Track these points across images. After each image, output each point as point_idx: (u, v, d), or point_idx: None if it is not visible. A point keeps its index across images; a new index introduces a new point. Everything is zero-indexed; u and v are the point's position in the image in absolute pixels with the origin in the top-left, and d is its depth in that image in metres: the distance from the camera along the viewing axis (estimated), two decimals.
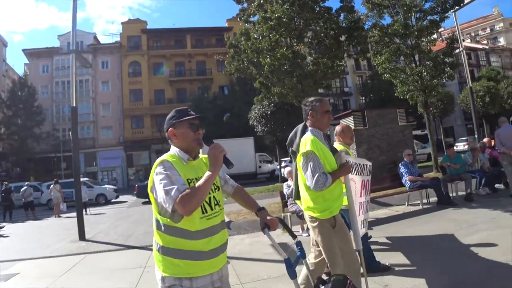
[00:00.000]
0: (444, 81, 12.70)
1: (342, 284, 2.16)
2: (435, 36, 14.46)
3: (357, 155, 16.11)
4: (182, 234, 1.84)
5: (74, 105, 9.66)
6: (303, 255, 2.25)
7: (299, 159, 2.97)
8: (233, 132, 27.90)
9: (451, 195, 8.89)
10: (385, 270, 4.21)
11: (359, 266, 3.11)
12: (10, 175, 35.17)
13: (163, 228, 1.86)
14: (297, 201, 3.40)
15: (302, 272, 3.04)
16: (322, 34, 10.23)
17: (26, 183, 18.53)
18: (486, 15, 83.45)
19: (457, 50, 14.63)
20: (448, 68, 12.75)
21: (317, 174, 2.80)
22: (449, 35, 13.82)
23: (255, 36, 10.28)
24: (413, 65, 12.14)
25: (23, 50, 41.27)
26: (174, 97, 41.59)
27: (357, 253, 3.12)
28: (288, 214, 7.21)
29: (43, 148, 36.34)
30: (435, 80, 12.05)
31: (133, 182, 38.53)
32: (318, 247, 3.10)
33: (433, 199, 8.45)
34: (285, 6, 9.73)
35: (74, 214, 14.41)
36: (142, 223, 10.88)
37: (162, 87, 41.80)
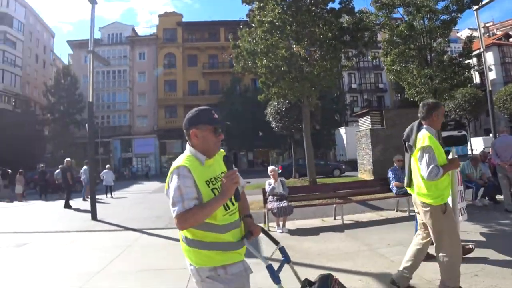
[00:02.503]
0: (455, 83, 12.14)
1: (326, 280, 2.33)
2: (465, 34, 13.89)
3: (372, 155, 16.05)
4: (210, 228, 1.93)
5: (90, 100, 10.45)
6: (287, 260, 2.28)
7: (416, 152, 3.50)
8: (260, 125, 28.30)
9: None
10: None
11: (461, 251, 3.55)
12: (55, 157, 37.89)
13: None
14: (408, 188, 3.87)
15: (409, 250, 3.80)
16: (321, 36, 10.32)
17: (60, 166, 19.97)
18: None
19: (477, 51, 14.14)
20: (465, 71, 12.30)
21: (431, 166, 3.31)
22: (468, 35, 13.27)
23: (249, 39, 10.53)
24: (420, 67, 11.80)
25: (68, 41, 44.14)
26: (207, 88, 42.78)
27: None
28: (265, 210, 7.63)
29: (83, 134, 38.72)
30: (445, 83, 11.67)
31: (165, 169, 40.34)
32: (426, 229, 3.70)
33: None
34: (276, 11, 9.95)
35: (100, 196, 15.88)
36: (151, 209, 11.69)
37: (195, 79, 43.04)
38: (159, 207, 12.05)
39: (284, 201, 7.49)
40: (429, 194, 3.46)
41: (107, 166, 19.45)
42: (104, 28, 43.54)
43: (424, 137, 3.44)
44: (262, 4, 10.44)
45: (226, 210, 2.00)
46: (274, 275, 2.08)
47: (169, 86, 42.72)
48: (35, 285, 4.62)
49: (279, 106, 17.50)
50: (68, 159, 14.92)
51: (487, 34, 69.90)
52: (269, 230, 7.34)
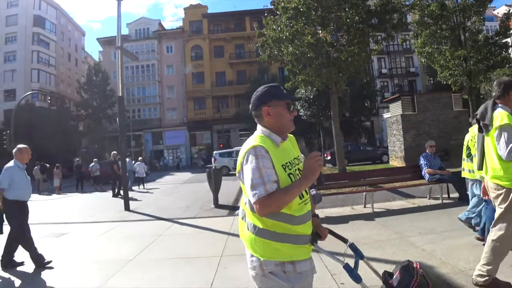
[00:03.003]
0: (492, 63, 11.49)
1: (407, 268, 2.23)
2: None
3: (404, 141, 15.64)
4: (285, 219, 1.78)
5: (120, 94, 10.70)
6: (361, 256, 2.14)
7: (493, 132, 3.26)
8: None
9: None
10: None
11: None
12: (89, 151, 39.40)
13: None
14: (479, 172, 3.69)
15: (487, 243, 3.39)
16: (348, 20, 9.99)
17: (94, 159, 20.74)
18: None
19: None
20: (503, 51, 11.63)
21: (511, 145, 3.09)
22: (506, 12, 12.53)
23: (274, 27, 10.37)
24: (453, 48, 11.24)
25: (97, 39, 45.31)
26: (234, 79, 42.89)
27: None
28: None
29: (115, 128, 39.95)
30: (480, 64, 11.07)
31: (196, 160, 41.08)
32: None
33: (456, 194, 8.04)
34: None
35: (137, 188, 16.44)
36: (182, 199, 11.94)
37: (222, 70, 43.21)
38: (189, 197, 12.33)
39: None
40: (505, 176, 3.22)
41: (139, 158, 19.99)
42: (131, 24, 44.37)
43: (502, 115, 3.21)
44: None
45: (301, 198, 1.83)
46: (354, 274, 1.98)
47: (197, 78, 43.08)
48: (73, 272, 4.84)
49: (307, 94, 17.27)
50: (115, 152, 15.44)
51: None
52: None
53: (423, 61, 11.94)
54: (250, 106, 1.94)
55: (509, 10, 12.93)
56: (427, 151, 8.12)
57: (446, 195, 8.16)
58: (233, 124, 39.69)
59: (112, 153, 15.38)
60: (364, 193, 8.00)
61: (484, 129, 3.42)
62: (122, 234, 7.23)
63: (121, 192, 12.77)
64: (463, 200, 7.52)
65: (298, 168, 1.89)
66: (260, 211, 1.69)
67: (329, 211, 7.85)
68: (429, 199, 8.27)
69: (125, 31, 41.90)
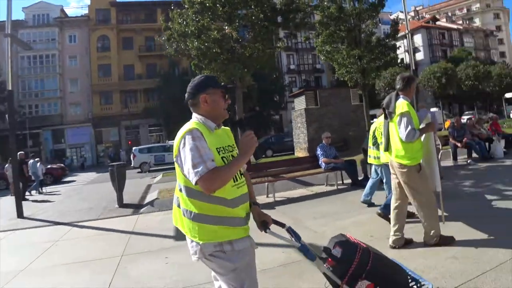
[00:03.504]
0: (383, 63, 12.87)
1: (346, 243, 2.26)
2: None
3: (307, 134, 16.64)
4: (219, 201, 1.84)
5: (10, 88, 9.62)
6: (298, 238, 2.17)
7: (396, 118, 3.90)
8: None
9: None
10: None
11: (436, 206, 4.04)
12: None
13: (199, 196, 1.84)
14: (385, 153, 4.31)
15: (392, 215, 4.17)
16: (253, 18, 10.31)
17: (9, 159, 18.20)
18: None
19: (402, 33, 15.03)
20: (391, 52, 13.05)
21: (409, 128, 3.74)
22: (395, 17, 14.10)
23: (179, 21, 10.25)
24: (349, 48, 12.33)
25: None
26: (143, 72, 41.13)
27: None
28: None
29: (7, 126, 35.70)
30: (372, 63, 12.32)
31: (102, 158, 38.51)
32: (402, 190, 4.09)
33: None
34: None
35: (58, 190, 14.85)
36: (85, 200, 11.21)
37: (131, 62, 41.11)
38: (92, 198, 11.61)
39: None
40: (406, 155, 3.89)
41: (31, 155, 18.09)
42: (29, 8, 39.72)
43: (403, 104, 3.88)
44: None
45: (234, 182, 1.91)
46: (309, 253, 2.08)
47: (103, 71, 40.27)
48: None
49: None
50: (22, 152, 13.79)
51: (417, 17, 74.63)
52: None
53: (322, 58, 12.82)
54: (186, 95, 1.99)
55: (397, 16, 14.52)
56: (323, 142, 8.81)
57: (341, 182, 8.93)
58: (142, 120, 38.18)
59: (19, 153, 13.70)
60: (266, 183, 8.37)
61: (389, 116, 4.06)
62: (12, 244, 6.50)
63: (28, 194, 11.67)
64: (356, 185, 8.37)
65: (232, 155, 1.97)
66: (207, 187, 1.73)
67: None
68: (326, 186, 8.92)
69: (20, 15, 37.48)
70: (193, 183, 1.75)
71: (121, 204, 9.13)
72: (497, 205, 5.51)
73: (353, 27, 12.38)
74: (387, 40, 13.41)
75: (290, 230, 2.19)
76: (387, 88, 29.50)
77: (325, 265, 2.18)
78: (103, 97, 40.22)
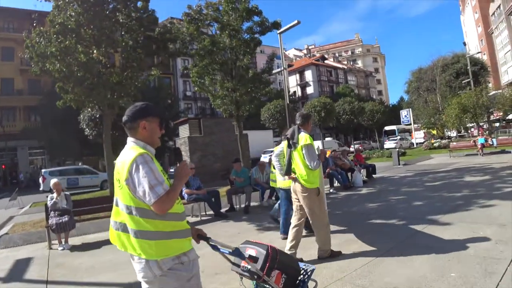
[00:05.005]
0: (259, 96, 13.66)
1: (261, 246, 2.76)
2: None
3: (191, 161, 16.74)
4: (174, 217, 2.00)
5: None
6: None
7: (300, 148, 4.54)
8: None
9: (236, 206, 9.70)
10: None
11: (328, 222, 4.75)
12: None
13: (154, 215, 1.92)
14: (287, 176, 4.92)
15: (290, 232, 4.80)
16: (123, 43, 10.13)
17: None
18: (349, 40, 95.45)
19: (278, 70, 16.24)
20: (263, 86, 13.82)
21: (316, 159, 4.43)
22: (269, 54, 15.15)
23: (37, 39, 9.61)
24: (222, 80, 12.82)
25: None
26: (25, 88, 37.08)
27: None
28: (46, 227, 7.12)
29: None
30: (244, 96, 12.94)
31: None
32: (302, 211, 4.76)
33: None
34: (68, 12, 9.42)
35: None
36: None
37: (11, 76, 36.83)
38: None
39: (66, 216, 7.06)
40: (309, 180, 4.53)
41: None
42: None
43: (306, 137, 4.57)
44: (60, 3, 9.52)
45: (177, 198, 2.06)
46: (241, 256, 2.50)
47: None
48: None
49: (93, 112, 16.34)
50: None
51: (308, 55, 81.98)
52: (51, 248, 6.92)
53: (196, 89, 13.08)
54: (125, 118, 2.10)
55: (272, 53, 15.60)
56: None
57: (204, 213, 9.08)
58: (21, 141, 34.23)
59: None
60: None
61: (293, 146, 4.68)
62: None
63: None
64: (219, 216, 8.60)
65: (167, 178, 2.09)
66: (163, 207, 1.89)
67: (92, 237, 7.84)
68: (192, 217, 8.97)
69: None
70: (150, 204, 1.87)
71: None
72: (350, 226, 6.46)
73: (226, 60, 12.80)
74: (263, 75, 14.22)
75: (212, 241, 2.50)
76: (271, 119, 31.52)
77: (242, 265, 2.69)
78: None
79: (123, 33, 10.40)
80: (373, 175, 14.31)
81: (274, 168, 6.42)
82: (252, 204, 9.70)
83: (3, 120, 34.37)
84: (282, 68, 15.51)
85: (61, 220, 6.96)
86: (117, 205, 2.09)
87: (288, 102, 15.95)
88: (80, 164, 29.94)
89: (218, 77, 12.95)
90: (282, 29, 14.89)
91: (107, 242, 7.10)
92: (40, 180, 20.82)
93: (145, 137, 2.10)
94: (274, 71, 16.15)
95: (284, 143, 5.02)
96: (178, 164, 2.13)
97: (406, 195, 9.37)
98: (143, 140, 2.09)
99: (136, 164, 1.91)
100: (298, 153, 4.62)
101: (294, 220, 4.86)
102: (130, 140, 2.11)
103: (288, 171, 4.78)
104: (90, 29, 9.69)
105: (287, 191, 5.72)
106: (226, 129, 17.39)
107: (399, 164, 18.59)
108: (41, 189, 20.40)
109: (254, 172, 10.33)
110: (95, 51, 9.66)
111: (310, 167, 4.44)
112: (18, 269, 5.83)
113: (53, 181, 7.55)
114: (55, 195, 7.34)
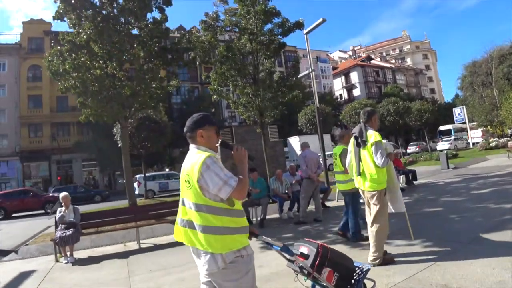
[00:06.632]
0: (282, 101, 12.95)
1: (312, 244, 2.89)
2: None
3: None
4: (237, 214, 2.24)
5: None
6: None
7: (370, 146, 4.37)
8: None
9: (253, 219, 9.16)
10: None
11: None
12: None
13: (221, 212, 2.17)
14: (358, 177, 4.64)
15: (371, 234, 4.48)
16: (136, 56, 10.12)
17: None
18: (396, 37, 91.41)
19: (305, 73, 15.53)
20: (289, 91, 13.11)
21: (385, 156, 4.26)
22: (295, 56, 14.51)
23: (49, 59, 9.89)
24: (242, 87, 12.32)
25: None
26: (77, 104, 39.48)
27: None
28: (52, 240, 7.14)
29: None
30: (267, 102, 12.36)
31: None
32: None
33: None
34: (77, 29, 9.63)
35: None
36: None
37: (64, 94, 39.40)
38: None
39: (71, 230, 7.05)
40: (378, 179, 4.36)
41: None
42: None
43: (375, 134, 4.40)
44: (75, 21, 9.79)
45: None
46: (289, 252, 2.65)
47: (34, 101, 38.45)
48: None
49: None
50: None
51: (354, 56, 79.47)
52: (58, 261, 6.98)
53: (215, 97, 12.75)
54: (185, 128, 2.35)
55: (297, 55, 14.99)
56: None
57: None
58: (74, 154, 36.45)
59: None
60: (135, 229, 7.93)
61: (362, 144, 4.50)
62: None
63: None
64: None
65: None
66: (241, 195, 2.17)
67: (99, 250, 7.86)
68: None
69: None
70: (226, 196, 2.11)
71: None
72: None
73: (246, 65, 12.30)
74: (290, 78, 13.58)
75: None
76: (307, 124, 30.70)
77: (295, 262, 2.76)
78: (33, 130, 38.28)
79: (135, 45, 10.42)
80: (414, 182, 13.12)
81: (337, 168, 6.36)
82: (271, 216, 9.15)
83: (55, 135, 36.79)
84: (310, 70, 14.83)
85: (65, 234, 6.97)
86: (183, 204, 2.31)
87: (318, 105, 15.24)
88: (167, 169, 31.95)
89: (239, 83, 12.52)
90: (308, 29, 14.28)
91: (110, 256, 7.06)
92: (136, 184, 21.90)
93: (203, 144, 2.32)
94: (300, 75, 15.47)
95: (352, 142, 4.80)
96: (233, 151, 2.34)
97: (444, 206, 8.14)
98: (203, 146, 2.32)
99: (206, 165, 2.13)
100: (368, 151, 4.45)
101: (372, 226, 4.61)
102: (192, 146, 2.35)
103: (359, 170, 4.60)
104: (101, 44, 9.81)
105: (347, 194, 6.00)
106: (258, 137, 16.90)
107: (448, 168, 17.04)
108: (136, 192, 21.07)
109: (272, 182, 9.81)
110: (108, 66, 9.76)
111: (378, 164, 4.29)
112: (15, 283, 5.85)
113: (62, 194, 7.63)
114: (63, 208, 7.39)
